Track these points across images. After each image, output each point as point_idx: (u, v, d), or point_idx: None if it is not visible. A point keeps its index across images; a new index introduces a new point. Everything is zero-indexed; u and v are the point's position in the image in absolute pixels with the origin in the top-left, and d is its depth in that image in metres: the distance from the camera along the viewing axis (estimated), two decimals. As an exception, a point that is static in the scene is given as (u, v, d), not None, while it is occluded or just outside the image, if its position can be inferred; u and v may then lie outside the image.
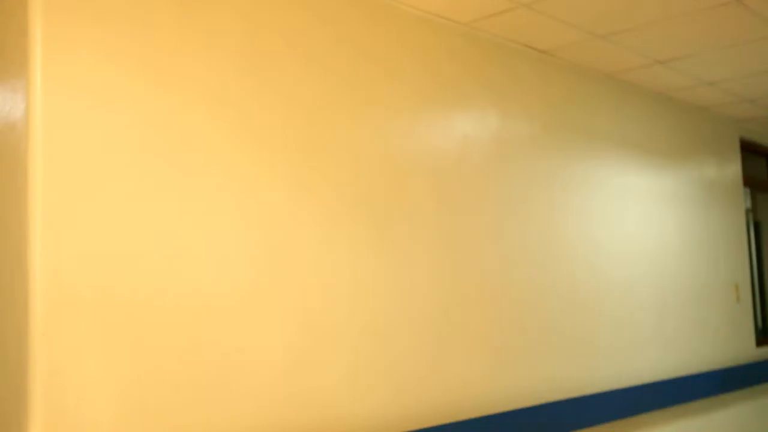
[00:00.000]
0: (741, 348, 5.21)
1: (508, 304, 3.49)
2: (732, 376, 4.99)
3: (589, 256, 4.00)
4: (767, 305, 5.96)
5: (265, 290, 2.57)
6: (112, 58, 2.26)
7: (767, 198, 6.10)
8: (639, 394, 4.15)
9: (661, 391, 4.31)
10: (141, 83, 2.32)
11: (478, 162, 3.44)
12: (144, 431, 2.23)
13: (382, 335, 2.93)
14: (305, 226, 2.72)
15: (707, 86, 4.56)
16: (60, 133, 2.14)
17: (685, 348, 4.64)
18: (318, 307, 2.72)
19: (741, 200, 5.48)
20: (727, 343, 5.06)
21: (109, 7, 2.27)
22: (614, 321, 4.11)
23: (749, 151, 5.69)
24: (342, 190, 2.86)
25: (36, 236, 2.07)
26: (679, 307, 4.65)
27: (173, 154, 2.38)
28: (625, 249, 4.26)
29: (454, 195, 3.30)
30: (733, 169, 5.41)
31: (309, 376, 2.66)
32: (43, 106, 2.11)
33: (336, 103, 2.86)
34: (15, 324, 2.11)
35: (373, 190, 2.97)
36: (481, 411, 3.24)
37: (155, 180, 2.33)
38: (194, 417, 2.34)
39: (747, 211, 5.67)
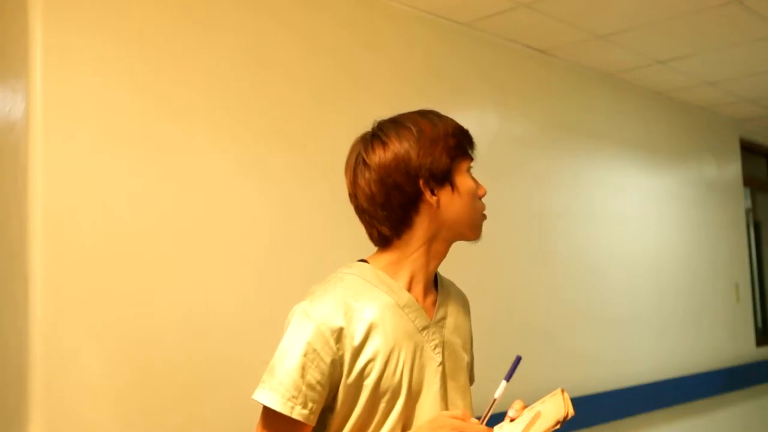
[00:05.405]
0: (741, 348, 5.20)
1: (507, 304, 3.49)
2: (732, 376, 4.98)
3: (589, 255, 4.00)
4: (767, 305, 5.96)
5: (264, 294, 2.57)
6: (112, 59, 2.26)
7: (767, 198, 6.10)
8: (639, 394, 4.15)
9: (661, 391, 4.31)
10: (140, 83, 2.32)
11: (477, 161, 3.43)
12: (143, 431, 2.23)
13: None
14: (303, 227, 2.72)
15: (707, 86, 4.56)
16: (60, 133, 2.13)
17: (685, 348, 4.64)
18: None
19: (741, 200, 5.48)
20: (727, 343, 5.06)
21: (109, 8, 2.27)
22: (614, 321, 4.10)
23: (749, 151, 5.69)
24: (340, 192, 2.85)
25: (36, 236, 2.07)
26: (679, 307, 4.65)
27: (172, 154, 2.38)
28: (625, 249, 4.26)
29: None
30: (733, 169, 5.41)
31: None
32: (43, 106, 2.11)
33: (334, 104, 2.86)
34: (15, 324, 2.11)
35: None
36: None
37: (156, 179, 2.32)
38: (194, 417, 2.34)
39: (747, 211, 5.66)
